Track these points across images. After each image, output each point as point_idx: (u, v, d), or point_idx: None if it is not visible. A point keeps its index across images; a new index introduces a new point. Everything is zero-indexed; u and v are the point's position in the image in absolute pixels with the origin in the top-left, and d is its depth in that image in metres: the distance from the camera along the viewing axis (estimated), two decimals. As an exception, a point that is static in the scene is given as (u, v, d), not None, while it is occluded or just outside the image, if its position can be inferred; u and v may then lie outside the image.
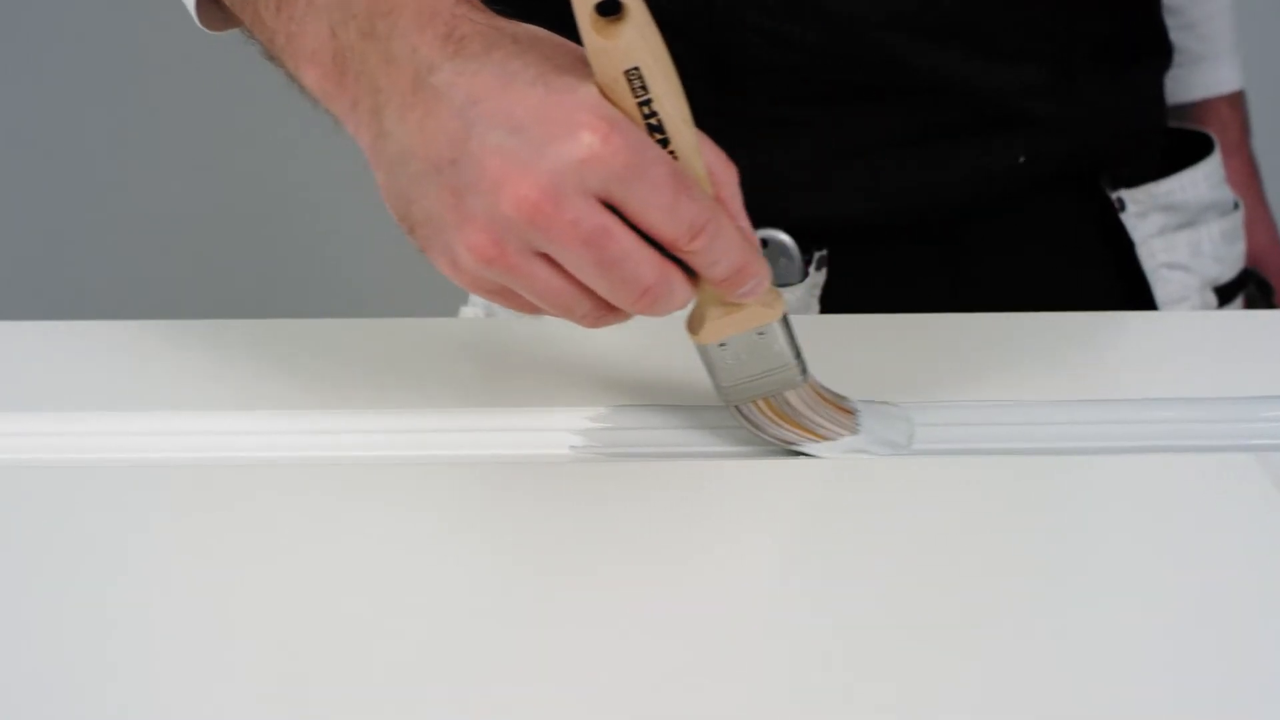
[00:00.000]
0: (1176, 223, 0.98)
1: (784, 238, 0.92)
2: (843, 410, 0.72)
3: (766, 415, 0.70)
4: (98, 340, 0.85)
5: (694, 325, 0.68)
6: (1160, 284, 0.97)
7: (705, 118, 0.91)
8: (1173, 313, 0.97)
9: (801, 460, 0.71)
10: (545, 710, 0.54)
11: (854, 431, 0.71)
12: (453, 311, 1.01)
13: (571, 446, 0.73)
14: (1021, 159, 0.92)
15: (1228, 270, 1.01)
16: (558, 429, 0.74)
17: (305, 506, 0.68)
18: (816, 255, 0.93)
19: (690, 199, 0.62)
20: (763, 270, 0.66)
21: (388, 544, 0.65)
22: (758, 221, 0.94)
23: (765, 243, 0.92)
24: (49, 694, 0.55)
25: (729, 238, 0.64)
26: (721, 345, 0.68)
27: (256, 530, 0.66)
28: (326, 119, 0.69)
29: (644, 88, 0.62)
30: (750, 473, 0.70)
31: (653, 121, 0.62)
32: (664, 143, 0.63)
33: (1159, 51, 0.99)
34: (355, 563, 0.63)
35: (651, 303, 0.63)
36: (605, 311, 0.65)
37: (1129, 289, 0.98)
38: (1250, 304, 1.05)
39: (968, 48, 0.90)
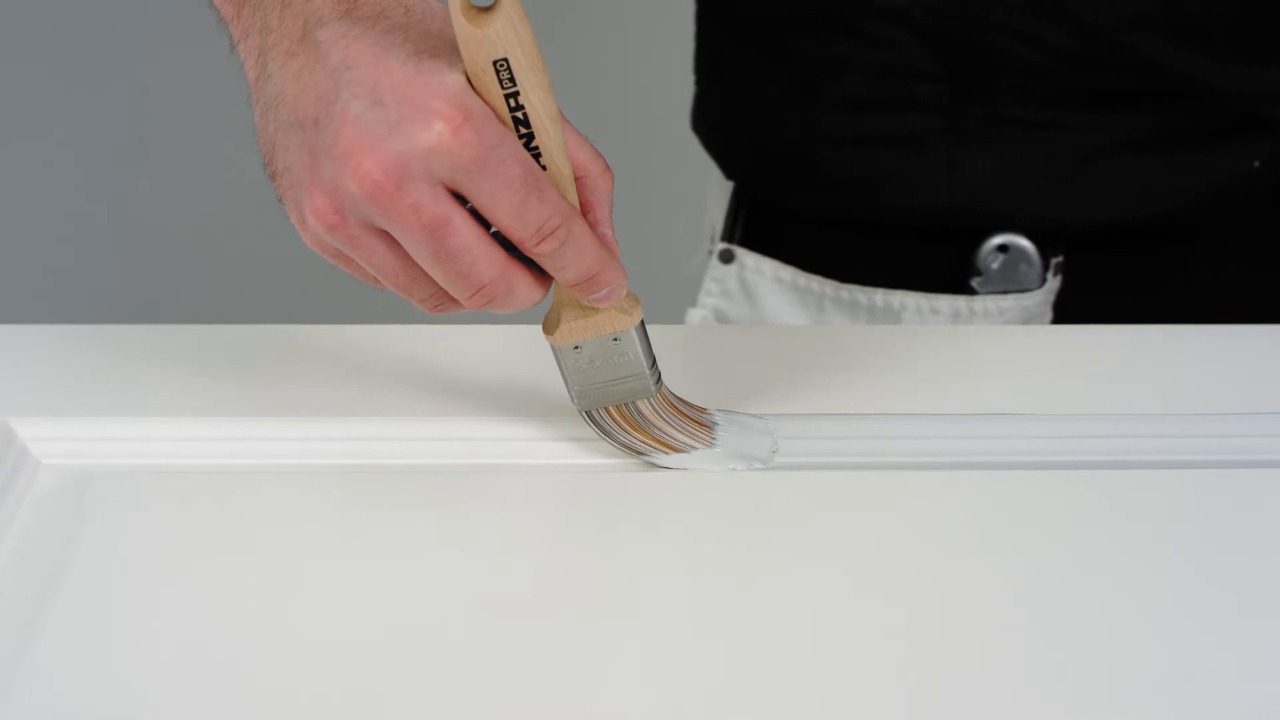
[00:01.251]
0: None
1: (1024, 243, 0.94)
2: (698, 423, 0.71)
3: (616, 422, 0.70)
4: (102, 345, 0.83)
5: (549, 325, 0.68)
6: None
7: (947, 119, 0.95)
8: None
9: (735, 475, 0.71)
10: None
11: (709, 445, 0.71)
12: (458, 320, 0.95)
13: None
14: (1256, 164, 0.94)
15: None
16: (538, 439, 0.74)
17: (306, 512, 0.69)
18: (1053, 261, 0.95)
19: (541, 200, 0.62)
20: (618, 278, 0.65)
21: (382, 548, 0.66)
22: (997, 225, 0.99)
23: (1006, 248, 0.95)
24: (53, 698, 0.56)
25: (581, 244, 0.63)
26: (575, 348, 0.68)
27: (263, 535, 0.67)
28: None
29: (511, 80, 0.61)
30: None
31: (518, 115, 0.61)
32: (529, 137, 0.62)
33: None
34: (350, 568, 0.64)
35: (486, 300, 0.63)
36: (444, 300, 0.65)
37: None
38: None
39: (1214, 50, 0.91)
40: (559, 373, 0.69)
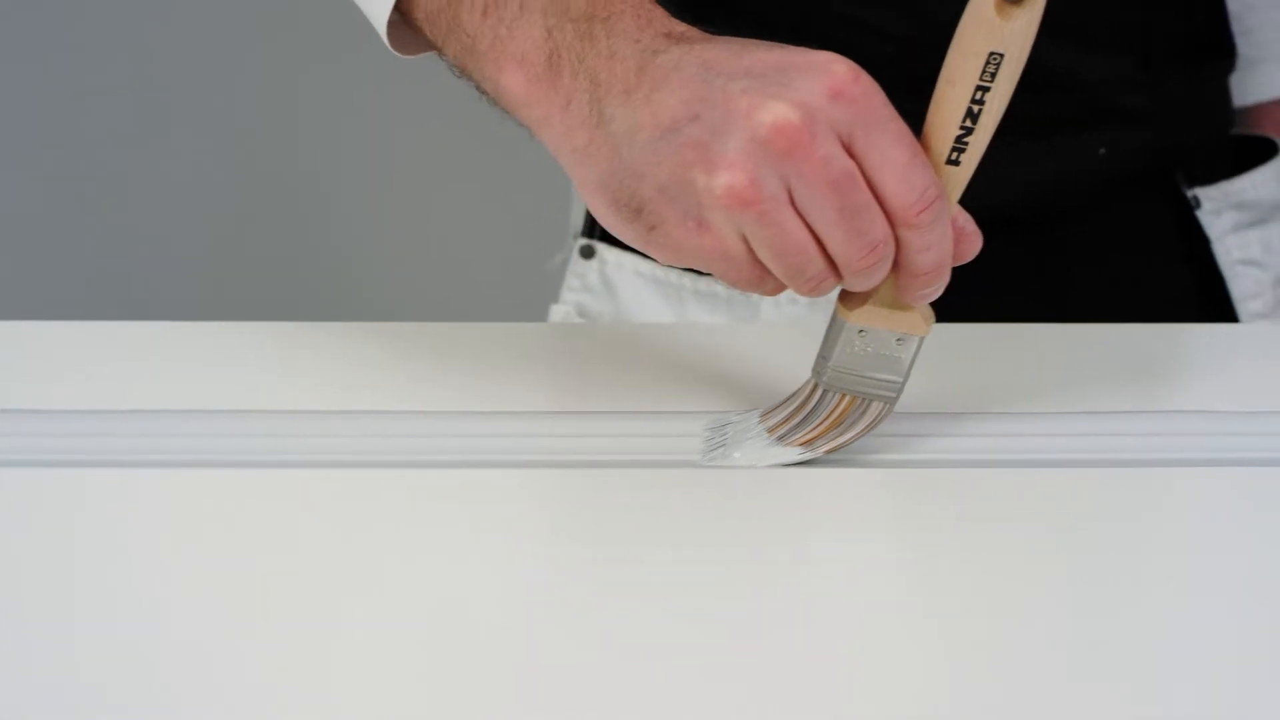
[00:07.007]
0: (1249, 220, 1.01)
1: None
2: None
3: (838, 413, 0.69)
4: (120, 340, 0.85)
5: (850, 301, 0.67)
6: (1235, 280, 1.00)
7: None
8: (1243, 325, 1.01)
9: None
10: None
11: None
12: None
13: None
14: (1101, 151, 0.95)
15: (1298, 267, 1.05)
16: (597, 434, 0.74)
17: (315, 510, 0.68)
18: None
19: (925, 165, 0.62)
20: (948, 277, 0.65)
21: (400, 549, 0.64)
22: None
23: None
24: (56, 697, 0.55)
25: (946, 224, 0.63)
26: (861, 332, 0.67)
27: (271, 533, 0.66)
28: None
29: (993, 76, 0.62)
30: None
31: (974, 108, 0.62)
32: (967, 131, 0.63)
33: (1227, 53, 1.02)
34: (366, 568, 0.63)
35: (875, 261, 0.62)
36: (829, 275, 0.64)
37: (1204, 286, 1.01)
38: None
39: (1057, 37, 0.92)
40: (823, 340, 0.69)
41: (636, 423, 0.75)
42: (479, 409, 0.76)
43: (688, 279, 0.98)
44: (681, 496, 0.69)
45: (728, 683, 0.55)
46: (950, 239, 0.64)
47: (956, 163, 0.63)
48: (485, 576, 0.63)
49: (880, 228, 0.62)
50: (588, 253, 1.00)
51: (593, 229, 1.01)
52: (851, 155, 0.61)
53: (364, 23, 0.74)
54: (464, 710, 0.54)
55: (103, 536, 0.65)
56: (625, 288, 1.00)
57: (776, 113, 0.60)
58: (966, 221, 0.66)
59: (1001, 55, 0.61)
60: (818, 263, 0.63)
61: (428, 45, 0.74)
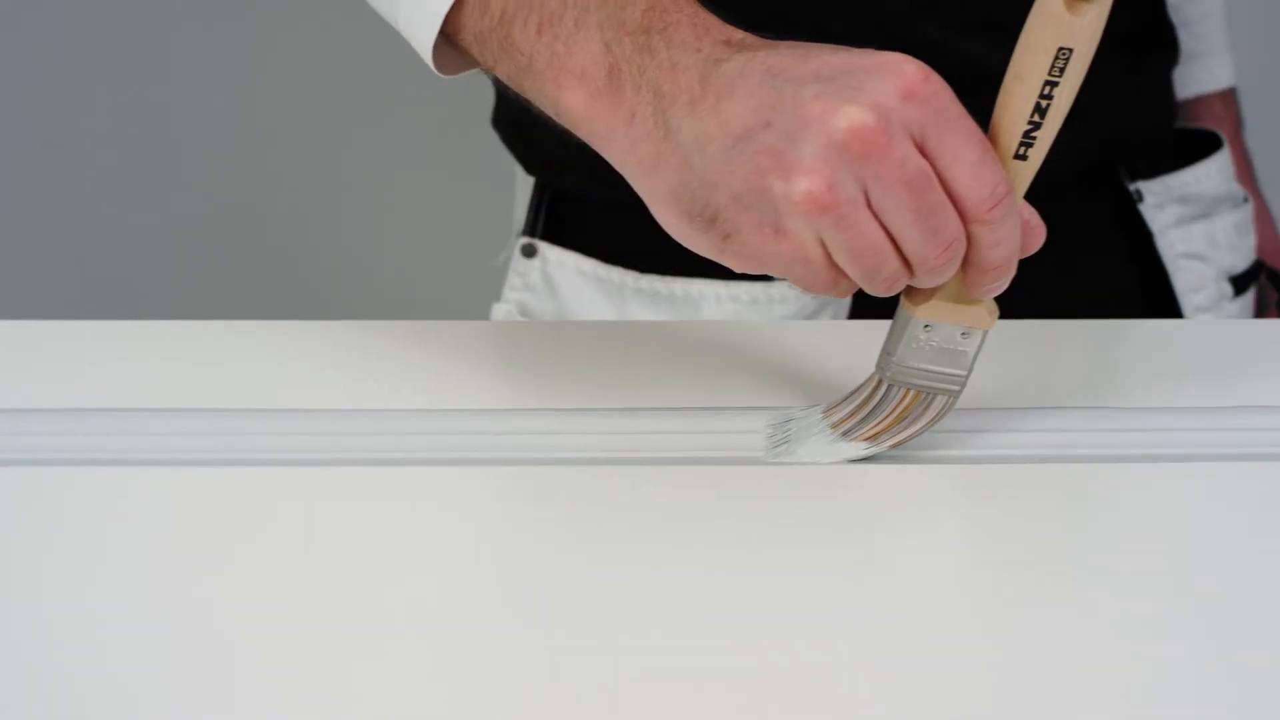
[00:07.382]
0: (1192, 214, 1.01)
1: None
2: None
3: (902, 407, 0.69)
4: (118, 340, 0.86)
5: (917, 298, 0.68)
6: (1179, 274, 1.00)
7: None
8: (1187, 321, 1.01)
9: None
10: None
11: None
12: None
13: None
14: None
15: (1240, 261, 1.04)
16: (581, 432, 0.74)
17: (320, 508, 0.68)
18: None
19: (995, 161, 0.62)
20: (1014, 270, 0.66)
21: (399, 547, 0.64)
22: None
23: None
24: (56, 697, 0.55)
25: (1016, 218, 0.64)
26: (926, 326, 0.68)
27: (271, 532, 0.66)
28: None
29: (1062, 70, 0.62)
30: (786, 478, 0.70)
31: (1042, 103, 0.63)
32: (1035, 126, 0.63)
33: (1169, 47, 1.02)
34: (368, 566, 0.63)
35: (950, 258, 0.63)
36: (904, 273, 0.64)
37: (1147, 279, 1.01)
38: (1262, 294, 1.09)
39: (995, 35, 0.92)
40: (888, 336, 0.69)
41: (696, 419, 0.75)
42: (527, 407, 0.76)
43: (629, 277, 0.98)
44: (745, 493, 0.69)
45: (792, 677, 0.55)
46: (1019, 233, 0.64)
47: (1024, 157, 0.64)
48: (534, 575, 0.63)
49: (954, 225, 0.62)
50: (529, 251, 1.01)
51: (535, 227, 1.01)
52: (924, 154, 0.61)
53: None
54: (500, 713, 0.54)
55: (102, 536, 0.65)
56: (567, 286, 1.00)
57: (852, 116, 0.60)
58: (1031, 215, 0.66)
59: (1070, 50, 0.62)
60: (894, 262, 0.63)
61: (471, 64, 0.74)
